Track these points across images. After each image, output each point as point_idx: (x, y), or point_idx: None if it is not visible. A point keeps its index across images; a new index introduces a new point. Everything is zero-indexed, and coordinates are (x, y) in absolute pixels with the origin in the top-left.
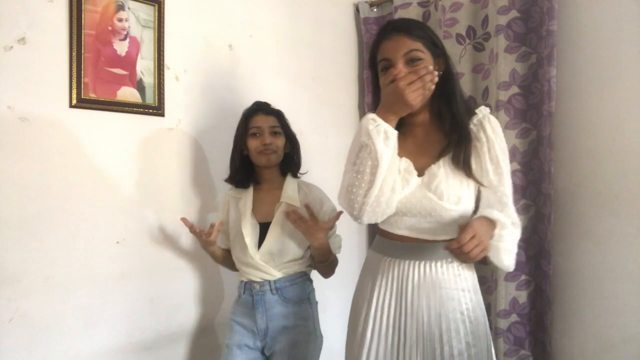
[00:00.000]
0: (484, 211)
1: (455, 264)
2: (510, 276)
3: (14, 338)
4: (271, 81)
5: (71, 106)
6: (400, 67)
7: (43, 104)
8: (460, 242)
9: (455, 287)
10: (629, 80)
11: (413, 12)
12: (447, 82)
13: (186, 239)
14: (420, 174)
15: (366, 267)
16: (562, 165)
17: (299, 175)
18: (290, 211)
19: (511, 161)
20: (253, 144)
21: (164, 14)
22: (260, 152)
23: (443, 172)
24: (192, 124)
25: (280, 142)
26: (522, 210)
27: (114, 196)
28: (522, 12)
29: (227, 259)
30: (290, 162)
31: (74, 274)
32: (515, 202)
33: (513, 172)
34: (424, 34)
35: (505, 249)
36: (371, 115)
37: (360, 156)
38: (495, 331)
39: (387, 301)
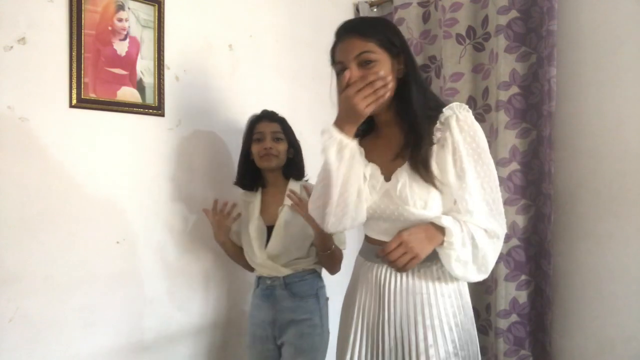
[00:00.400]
0: (434, 217)
1: (434, 268)
2: (510, 276)
3: (14, 338)
4: (271, 81)
5: (71, 106)
6: (352, 72)
7: (43, 104)
8: (385, 250)
9: (434, 292)
10: (629, 80)
11: (413, 12)
12: (404, 81)
13: (186, 238)
14: (388, 178)
15: (354, 270)
16: (562, 165)
17: (304, 179)
18: (289, 193)
19: (511, 161)
20: (256, 148)
21: (164, 14)
22: (261, 155)
23: (406, 176)
24: (192, 124)
25: (281, 147)
26: (522, 210)
27: (114, 196)
28: (522, 12)
29: (238, 255)
30: (293, 166)
31: (74, 274)
32: (515, 202)
33: (513, 172)
34: (378, 33)
35: (456, 258)
36: (326, 127)
37: (322, 169)
38: (495, 331)
39: (367, 307)
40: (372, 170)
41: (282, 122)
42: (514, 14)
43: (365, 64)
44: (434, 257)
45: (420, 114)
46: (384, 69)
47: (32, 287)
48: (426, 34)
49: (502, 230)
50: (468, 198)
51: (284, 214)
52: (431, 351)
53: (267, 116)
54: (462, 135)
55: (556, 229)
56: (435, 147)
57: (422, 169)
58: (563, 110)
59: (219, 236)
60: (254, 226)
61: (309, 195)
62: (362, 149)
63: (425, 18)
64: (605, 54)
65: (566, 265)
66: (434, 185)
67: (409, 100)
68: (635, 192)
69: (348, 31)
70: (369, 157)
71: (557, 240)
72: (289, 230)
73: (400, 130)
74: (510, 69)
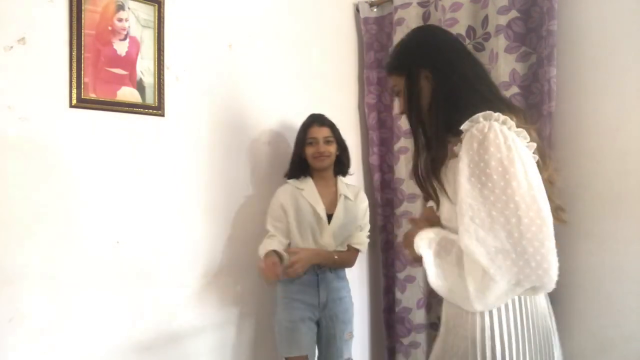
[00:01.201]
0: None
1: None
2: None
3: (14, 338)
4: (271, 81)
5: (71, 106)
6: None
7: (43, 104)
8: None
9: None
10: (629, 80)
11: (413, 12)
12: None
13: (186, 238)
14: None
15: None
16: (562, 165)
17: (349, 174)
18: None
19: None
20: (310, 150)
21: (164, 14)
22: (315, 157)
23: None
24: (192, 124)
25: (332, 148)
26: None
27: (114, 196)
28: (522, 12)
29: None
30: (341, 164)
31: (74, 274)
32: None
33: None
34: (394, 63)
35: (428, 271)
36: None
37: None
38: None
39: None
40: None
41: (331, 126)
42: (514, 14)
43: (397, 94)
44: None
45: (436, 127)
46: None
47: (32, 287)
48: None
49: (525, 276)
50: (459, 217)
51: (342, 202)
52: None
53: (317, 121)
54: (468, 154)
55: (556, 229)
56: (451, 162)
57: (426, 189)
58: (563, 110)
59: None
60: (320, 208)
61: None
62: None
63: (425, 18)
64: (605, 54)
65: (566, 265)
66: (443, 196)
67: (431, 111)
68: (635, 192)
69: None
70: None
71: (557, 241)
72: (344, 217)
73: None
74: (510, 69)
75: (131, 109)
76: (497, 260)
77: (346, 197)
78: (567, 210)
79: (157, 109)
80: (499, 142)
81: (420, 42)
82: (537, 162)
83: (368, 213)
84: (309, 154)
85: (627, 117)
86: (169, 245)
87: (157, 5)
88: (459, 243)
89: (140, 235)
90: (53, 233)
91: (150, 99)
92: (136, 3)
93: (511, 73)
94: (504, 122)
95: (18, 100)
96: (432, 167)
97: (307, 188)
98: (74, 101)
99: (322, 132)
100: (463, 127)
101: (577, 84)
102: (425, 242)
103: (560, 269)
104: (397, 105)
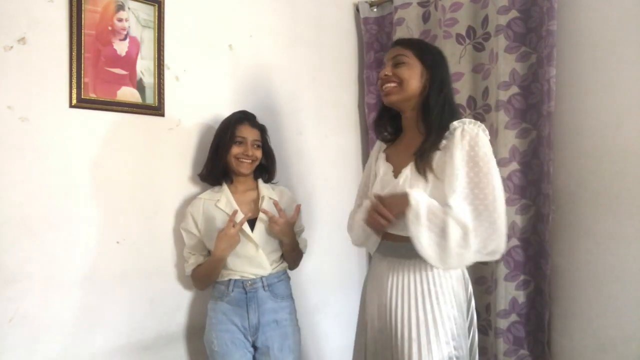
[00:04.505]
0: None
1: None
2: (510, 276)
3: (14, 338)
4: (271, 81)
5: (71, 106)
6: (385, 69)
7: (43, 104)
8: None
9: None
10: (629, 80)
11: (413, 12)
12: (429, 93)
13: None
14: (396, 176)
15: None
16: (562, 165)
17: (272, 182)
18: (266, 209)
19: (511, 161)
20: (236, 150)
21: (164, 14)
22: (239, 160)
23: (409, 173)
24: (192, 124)
25: (259, 154)
26: (521, 210)
27: (114, 196)
28: (522, 12)
29: (219, 268)
30: (263, 171)
31: (74, 274)
32: (515, 202)
33: (513, 172)
34: (416, 45)
35: (411, 233)
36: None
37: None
38: (495, 331)
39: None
40: (385, 169)
41: (262, 129)
42: (514, 14)
43: (398, 64)
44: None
45: (435, 123)
46: (412, 71)
47: (32, 287)
48: (426, 34)
49: (491, 240)
50: (450, 194)
51: (265, 205)
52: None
53: (250, 120)
54: (461, 143)
55: (556, 229)
56: (438, 153)
57: (422, 169)
58: (563, 110)
59: (227, 251)
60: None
61: (279, 209)
62: (384, 154)
63: (425, 18)
64: (605, 54)
65: (566, 265)
66: (431, 181)
67: (427, 109)
68: (635, 192)
69: (395, 43)
70: (390, 158)
71: (557, 240)
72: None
73: (418, 135)
74: (510, 69)
75: (131, 109)
76: (475, 221)
77: (270, 198)
78: (567, 210)
79: (157, 109)
80: (485, 140)
81: (444, 60)
82: None
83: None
84: (233, 153)
85: (627, 116)
86: (169, 246)
87: (157, 5)
88: (447, 201)
89: (141, 235)
90: (53, 233)
91: (150, 99)
92: (136, 3)
93: (511, 73)
94: (484, 130)
95: (18, 100)
96: (429, 150)
97: (222, 196)
98: (74, 101)
99: (253, 134)
100: (453, 124)
101: (576, 84)
102: (423, 204)
103: (560, 268)
104: (388, 69)
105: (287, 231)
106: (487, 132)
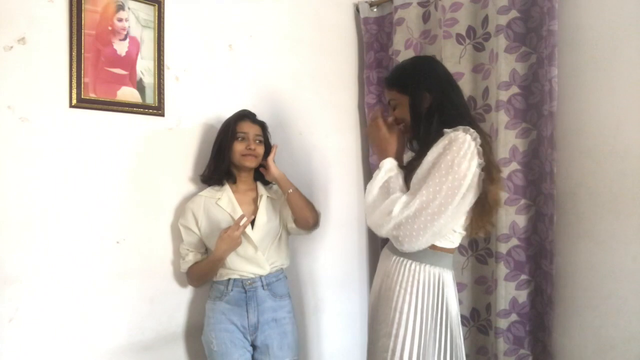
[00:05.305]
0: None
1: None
2: (510, 276)
3: (14, 338)
4: (271, 81)
5: (71, 106)
6: (390, 115)
7: (43, 104)
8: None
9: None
10: (629, 80)
11: (413, 12)
12: (430, 110)
13: None
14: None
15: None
16: (562, 165)
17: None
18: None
19: (511, 161)
20: (238, 146)
21: (164, 14)
22: (244, 155)
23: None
24: (192, 124)
25: (261, 150)
26: (522, 210)
27: (114, 196)
28: (522, 12)
29: (216, 268)
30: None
31: (74, 274)
32: (515, 202)
33: (513, 172)
34: (397, 81)
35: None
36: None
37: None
38: (495, 331)
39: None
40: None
41: (263, 125)
42: (514, 14)
43: (394, 107)
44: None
45: (422, 140)
46: (404, 109)
47: (32, 287)
48: (426, 34)
49: (401, 213)
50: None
51: (264, 203)
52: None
53: (250, 117)
54: (435, 147)
55: (556, 229)
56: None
57: (407, 172)
58: (563, 110)
59: (228, 252)
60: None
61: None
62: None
63: (425, 18)
64: (605, 54)
65: (566, 264)
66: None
67: (427, 124)
68: (635, 192)
69: (384, 84)
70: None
71: (557, 240)
72: (270, 218)
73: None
74: (510, 69)
75: (131, 109)
76: (405, 207)
77: (268, 196)
78: (568, 210)
79: (157, 109)
80: (462, 147)
81: (424, 70)
82: (483, 177)
83: None
84: (236, 150)
85: (627, 117)
86: (169, 245)
87: (157, 5)
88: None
89: (141, 235)
90: (53, 233)
91: (150, 99)
92: (136, 3)
93: (511, 73)
94: (475, 138)
95: (18, 100)
96: (416, 166)
97: (224, 195)
98: (74, 101)
99: (254, 129)
100: (446, 131)
101: (577, 84)
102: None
103: (561, 268)
104: (391, 114)
105: (271, 172)
106: (475, 141)
